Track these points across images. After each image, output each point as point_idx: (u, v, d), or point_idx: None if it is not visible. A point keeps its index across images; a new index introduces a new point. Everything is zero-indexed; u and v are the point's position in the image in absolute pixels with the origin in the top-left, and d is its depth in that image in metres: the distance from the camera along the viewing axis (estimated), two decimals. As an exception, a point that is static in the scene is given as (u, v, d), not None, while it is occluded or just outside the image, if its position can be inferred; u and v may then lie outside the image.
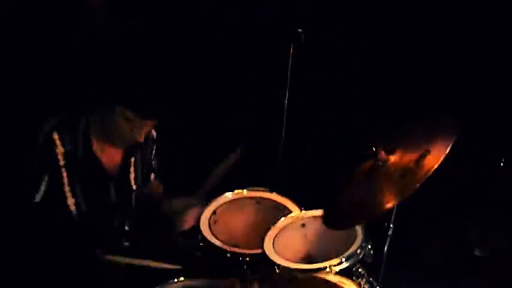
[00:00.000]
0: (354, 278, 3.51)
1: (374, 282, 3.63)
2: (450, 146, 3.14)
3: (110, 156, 3.51)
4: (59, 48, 3.87)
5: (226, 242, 3.75)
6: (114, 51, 3.53)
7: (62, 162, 3.32)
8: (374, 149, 3.36)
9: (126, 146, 3.53)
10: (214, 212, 3.94)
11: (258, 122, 5.26)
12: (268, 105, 4.75)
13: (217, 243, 3.73)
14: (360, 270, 3.54)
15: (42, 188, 3.33)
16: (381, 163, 3.34)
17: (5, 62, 4.44)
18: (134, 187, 3.66)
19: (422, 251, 4.82)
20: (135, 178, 3.66)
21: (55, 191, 3.37)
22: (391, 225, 3.56)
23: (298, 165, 3.61)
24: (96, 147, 3.43)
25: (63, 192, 3.38)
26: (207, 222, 3.86)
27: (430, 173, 3.08)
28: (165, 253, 3.79)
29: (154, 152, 3.82)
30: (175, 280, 3.49)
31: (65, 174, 3.35)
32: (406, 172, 3.19)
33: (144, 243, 3.72)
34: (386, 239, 3.58)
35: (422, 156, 3.19)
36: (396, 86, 5.36)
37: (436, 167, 3.09)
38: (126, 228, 3.72)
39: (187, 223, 3.72)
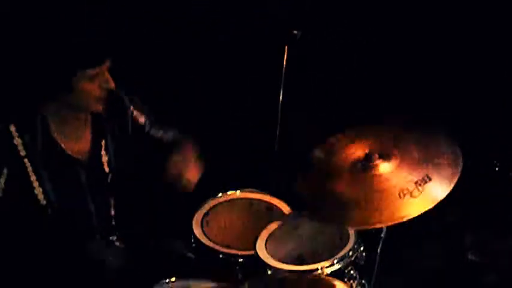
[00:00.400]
0: (346, 280, 3.51)
1: (366, 285, 3.64)
2: (454, 182, 3.14)
3: (75, 141, 3.46)
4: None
5: (219, 243, 3.75)
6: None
7: (23, 153, 3.29)
8: (367, 151, 3.35)
9: (90, 123, 3.48)
10: (207, 213, 3.94)
11: (252, 123, 5.26)
12: (263, 106, 4.74)
13: (210, 244, 3.72)
14: (352, 272, 3.54)
15: (2, 181, 3.30)
16: (371, 165, 3.32)
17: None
18: (107, 170, 3.59)
19: (416, 254, 4.81)
20: (108, 161, 3.58)
21: (21, 184, 3.34)
22: (384, 228, 3.55)
23: (292, 166, 3.59)
24: (56, 134, 3.38)
25: (30, 184, 3.35)
26: (199, 223, 3.86)
27: (427, 209, 3.10)
28: (156, 254, 3.81)
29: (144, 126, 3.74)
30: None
31: (28, 164, 3.32)
32: (404, 193, 3.17)
33: (134, 243, 3.71)
34: (379, 241, 3.56)
35: (423, 181, 3.19)
36: (394, 89, 5.36)
37: (435, 204, 3.10)
38: (113, 223, 3.68)
39: (192, 180, 3.63)
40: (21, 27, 3.86)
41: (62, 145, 3.39)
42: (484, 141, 5.16)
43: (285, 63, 4.28)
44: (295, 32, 4.23)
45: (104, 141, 3.55)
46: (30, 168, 3.33)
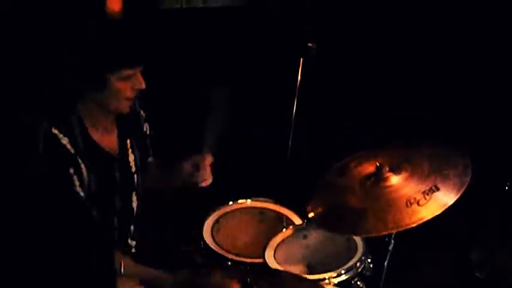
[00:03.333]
0: (353, 290, 3.55)
1: (373, 297, 3.67)
2: (461, 192, 3.17)
3: (108, 139, 3.50)
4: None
5: (228, 251, 3.78)
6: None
7: (72, 151, 3.32)
8: (378, 164, 3.38)
9: (126, 112, 3.49)
10: (217, 221, 3.98)
11: (265, 132, 5.30)
12: (276, 116, 4.77)
13: (219, 251, 3.76)
14: (358, 283, 3.57)
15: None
16: (381, 179, 3.36)
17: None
18: (134, 169, 3.63)
19: (422, 270, 4.82)
20: (135, 160, 3.63)
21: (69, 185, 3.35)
22: (392, 240, 3.57)
23: (304, 176, 3.63)
24: (92, 133, 3.42)
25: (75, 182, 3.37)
26: (210, 230, 3.90)
27: (432, 216, 3.13)
28: (167, 258, 3.84)
29: (147, 131, 3.78)
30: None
31: (80, 161, 3.34)
32: (411, 202, 3.22)
33: (147, 247, 3.73)
34: (387, 254, 3.59)
35: (431, 191, 3.23)
36: (409, 101, 5.39)
37: (442, 211, 3.14)
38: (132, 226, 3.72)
39: (206, 178, 3.66)
40: (59, 24, 3.91)
41: (98, 142, 3.44)
42: (496, 159, 5.18)
43: (299, 75, 4.31)
44: (310, 44, 4.26)
45: (129, 141, 3.61)
46: (82, 165, 3.37)
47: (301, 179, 3.72)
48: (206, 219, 3.96)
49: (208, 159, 3.69)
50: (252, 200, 4.12)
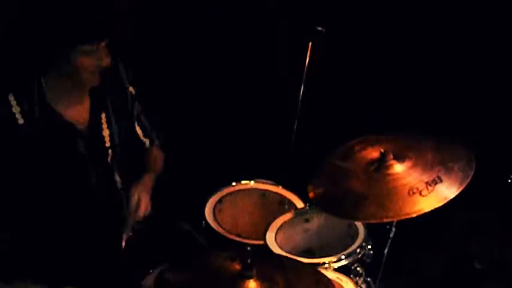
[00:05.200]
0: (352, 276, 3.56)
1: (371, 283, 3.68)
2: (463, 185, 3.18)
3: (73, 110, 3.45)
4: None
5: (229, 231, 3.81)
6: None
7: (21, 121, 3.33)
8: (383, 151, 3.38)
9: (87, 94, 3.49)
10: (220, 201, 4.00)
11: (271, 115, 5.29)
12: (283, 99, 4.76)
13: (221, 231, 3.78)
14: (358, 269, 3.59)
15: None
16: (385, 166, 3.36)
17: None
18: (108, 144, 3.57)
19: (422, 258, 4.83)
20: (111, 135, 3.57)
21: (17, 153, 3.38)
22: (393, 228, 3.58)
23: (308, 160, 3.63)
24: (53, 101, 3.39)
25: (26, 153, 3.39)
26: (212, 210, 3.91)
27: (433, 207, 3.13)
28: (168, 237, 3.86)
29: (138, 110, 3.73)
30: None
31: (27, 133, 3.35)
32: (414, 191, 3.22)
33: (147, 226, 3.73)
34: (387, 241, 3.60)
35: (434, 182, 3.23)
36: (413, 90, 5.37)
37: (444, 203, 3.14)
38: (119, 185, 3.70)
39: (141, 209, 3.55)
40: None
41: (59, 111, 3.41)
42: (498, 151, 5.18)
43: (307, 60, 4.29)
44: (319, 28, 4.23)
45: (104, 115, 3.57)
46: (28, 137, 3.35)
47: (305, 163, 3.71)
48: (209, 199, 3.97)
49: (144, 186, 3.60)
50: (255, 182, 4.13)
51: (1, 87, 3.35)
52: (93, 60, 3.30)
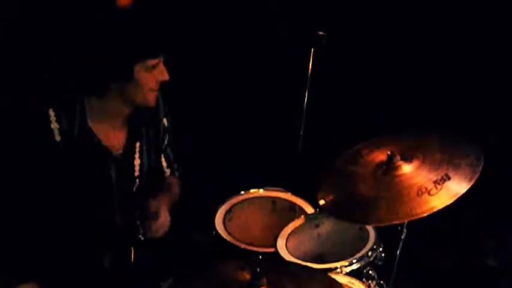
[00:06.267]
0: (364, 280, 3.54)
1: (384, 286, 3.66)
2: (472, 182, 3.16)
3: (111, 135, 3.49)
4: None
5: (240, 240, 3.79)
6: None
7: (58, 138, 3.35)
8: (390, 153, 3.37)
9: (129, 122, 3.52)
10: (229, 210, 3.99)
11: (278, 122, 5.29)
12: (289, 106, 4.76)
13: (231, 240, 3.77)
14: (370, 272, 3.57)
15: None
16: (393, 167, 3.35)
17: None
18: (137, 173, 3.61)
19: (435, 258, 4.82)
20: (141, 165, 3.61)
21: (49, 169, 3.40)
22: (404, 229, 3.57)
23: (316, 166, 3.63)
24: (94, 124, 3.42)
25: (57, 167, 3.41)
26: (222, 219, 3.91)
27: (443, 206, 3.12)
28: (178, 247, 3.85)
29: (167, 142, 3.77)
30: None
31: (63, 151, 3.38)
32: (423, 191, 3.20)
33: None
34: (399, 243, 3.58)
35: (442, 180, 3.22)
36: (416, 92, 5.37)
37: (453, 200, 3.13)
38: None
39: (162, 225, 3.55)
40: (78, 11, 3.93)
41: (98, 135, 3.44)
42: (506, 147, 5.17)
43: (310, 65, 4.29)
44: (321, 33, 4.23)
45: (138, 144, 3.60)
46: (62, 154, 3.39)
47: (313, 169, 3.70)
48: (218, 209, 3.96)
49: (165, 200, 3.62)
50: (264, 190, 4.12)
51: (43, 100, 3.39)
52: (154, 76, 3.35)
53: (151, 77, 3.34)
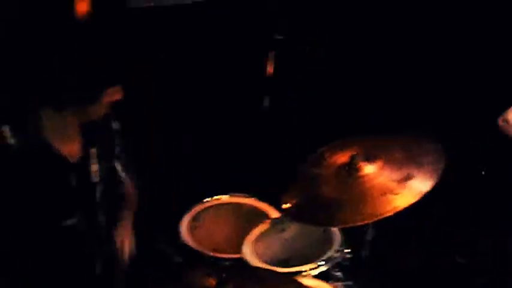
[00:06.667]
0: (332, 281, 3.54)
1: (352, 286, 3.67)
2: (435, 180, 3.19)
3: (68, 144, 3.48)
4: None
5: (207, 247, 3.78)
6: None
7: (16, 152, 3.34)
8: (352, 154, 3.38)
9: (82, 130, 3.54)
10: (194, 218, 3.98)
11: (242, 128, 5.27)
12: (249, 112, 4.76)
13: (198, 247, 3.76)
14: (337, 274, 3.58)
15: None
16: (355, 168, 3.36)
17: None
18: (96, 180, 3.62)
19: (401, 257, 4.83)
20: (99, 171, 3.59)
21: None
22: (371, 229, 3.58)
23: (280, 170, 3.64)
24: (50, 136, 3.42)
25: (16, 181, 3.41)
26: (187, 227, 3.89)
27: (407, 205, 3.14)
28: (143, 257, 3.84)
29: (118, 145, 3.76)
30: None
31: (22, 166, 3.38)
32: (386, 191, 3.22)
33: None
34: (366, 243, 3.60)
35: (405, 179, 3.23)
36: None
37: (418, 199, 3.15)
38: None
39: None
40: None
41: (54, 145, 3.43)
42: (471, 145, 5.20)
43: (270, 69, 4.30)
44: (279, 37, 4.25)
45: (93, 150, 3.58)
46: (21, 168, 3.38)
47: (277, 173, 3.71)
48: (183, 217, 3.95)
49: (127, 223, 3.72)
50: (228, 196, 4.12)
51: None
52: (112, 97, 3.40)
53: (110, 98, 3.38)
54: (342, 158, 3.47)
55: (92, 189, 3.59)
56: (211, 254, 3.72)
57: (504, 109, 3.87)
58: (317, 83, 5.23)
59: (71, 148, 3.50)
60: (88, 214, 3.59)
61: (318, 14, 5.13)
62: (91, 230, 3.61)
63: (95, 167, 3.57)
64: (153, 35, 5.07)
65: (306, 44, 4.94)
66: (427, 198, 3.18)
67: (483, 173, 5.02)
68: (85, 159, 3.55)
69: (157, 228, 4.05)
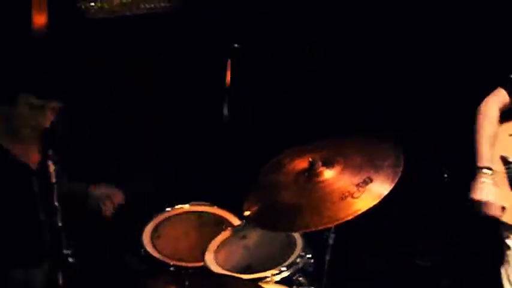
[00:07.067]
0: (295, 287, 3.56)
1: (316, 291, 3.69)
2: (394, 182, 3.21)
3: (26, 150, 3.48)
4: None
5: (169, 257, 3.78)
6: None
7: None
8: (311, 159, 3.40)
9: (37, 136, 3.50)
10: (156, 228, 3.97)
11: (201, 137, 5.27)
12: (208, 119, 4.76)
13: (160, 257, 3.75)
14: (300, 279, 3.59)
15: None
16: (315, 173, 3.38)
17: None
18: (54, 180, 3.60)
19: (365, 260, 4.86)
20: (55, 171, 3.53)
21: None
22: (333, 234, 3.59)
23: (240, 177, 3.64)
24: (6, 143, 3.41)
25: None
26: (149, 237, 3.88)
27: (367, 208, 3.16)
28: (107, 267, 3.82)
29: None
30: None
31: None
32: (346, 195, 3.24)
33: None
34: (328, 248, 3.61)
35: (364, 183, 3.26)
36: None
37: (377, 201, 3.17)
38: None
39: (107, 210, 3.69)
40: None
41: (13, 152, 3.42)
42: (432, 150, 5.25)
43: (228, 77, 4.31)
44: (236, 45, 4.26)
45: (50, 151, 3.56)
46: None
47: (237, 181, 3.71)
48: (145, 227, 3.94)
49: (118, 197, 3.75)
50: (190, 205, 4.11)
51: None
52: (36, 116, 3.34)
53: (33, 116, 3.35)
54: (301, 163, 3.48)
55: (52, 192, 3.57)
56: (173, 263, 3.72)
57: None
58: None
59: (31, 155, 3.50)
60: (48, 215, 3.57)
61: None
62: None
63: (52, 168, 3.54)
64: (112, 44, 5.07)
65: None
66: (389, 200, 3.20)
67: (445, 175, 5.07)
68: (44, 161, 3.51)
69: (121, 238, 4.03)
